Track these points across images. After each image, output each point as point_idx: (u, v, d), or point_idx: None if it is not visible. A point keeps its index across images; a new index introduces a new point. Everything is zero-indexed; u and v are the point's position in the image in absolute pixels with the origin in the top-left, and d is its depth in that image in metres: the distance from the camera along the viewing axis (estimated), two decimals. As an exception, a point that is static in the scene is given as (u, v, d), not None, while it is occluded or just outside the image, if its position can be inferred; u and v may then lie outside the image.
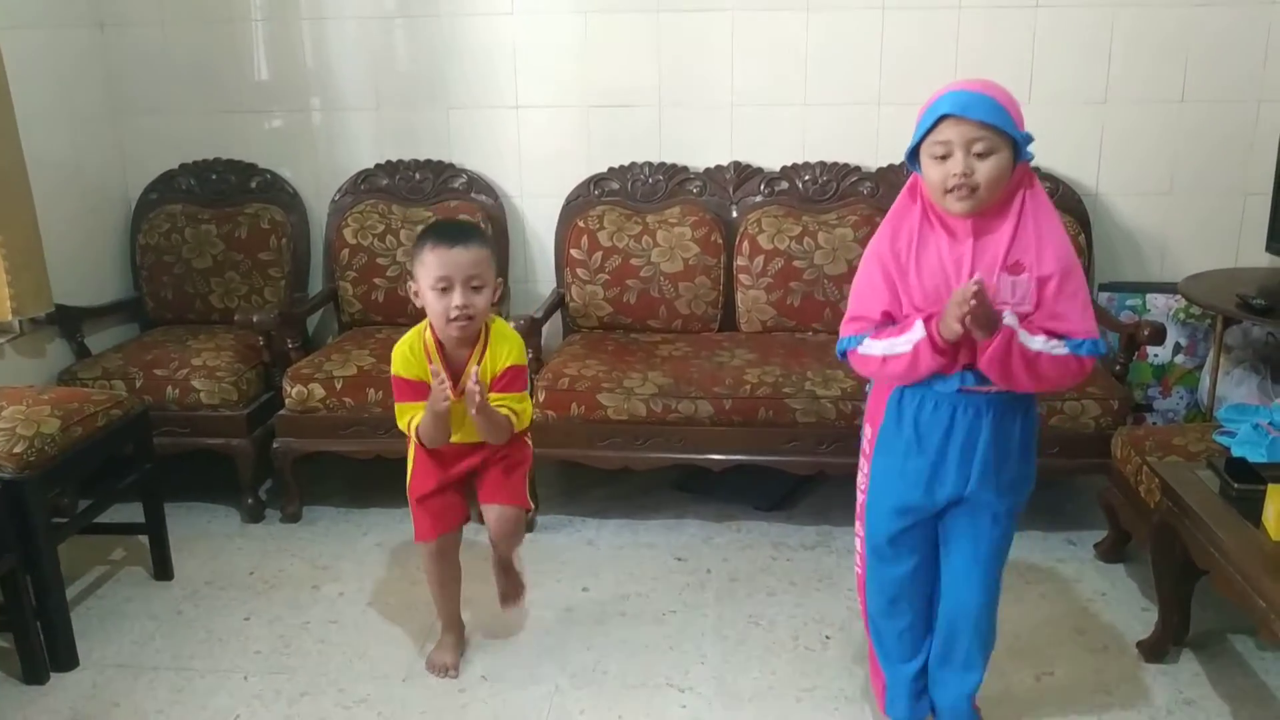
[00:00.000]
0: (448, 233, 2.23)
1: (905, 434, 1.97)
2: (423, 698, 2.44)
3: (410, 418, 2.31)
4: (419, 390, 2.27)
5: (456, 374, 2.29)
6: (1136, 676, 2.48)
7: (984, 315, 1.72)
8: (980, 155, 1.77)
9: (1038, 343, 1.79)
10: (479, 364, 2.29)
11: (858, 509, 2.13)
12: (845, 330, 1.96)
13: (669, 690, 2.46)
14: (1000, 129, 1.76)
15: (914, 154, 1.87)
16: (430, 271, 2.20)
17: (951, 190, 1.79)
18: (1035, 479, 2.05)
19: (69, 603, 2.66)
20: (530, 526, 3.21)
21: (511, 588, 2.59)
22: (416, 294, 2.27)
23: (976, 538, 2.02)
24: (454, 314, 2.20)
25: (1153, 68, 3.43)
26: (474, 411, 2.19)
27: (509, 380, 2.31)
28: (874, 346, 1.90)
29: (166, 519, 2.99)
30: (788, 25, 3.52)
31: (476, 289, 2.22)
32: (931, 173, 1.82)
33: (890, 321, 1.90)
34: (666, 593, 2.89)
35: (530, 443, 2.51)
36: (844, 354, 1.97)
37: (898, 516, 2.04)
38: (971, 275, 1.81)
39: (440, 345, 2.30)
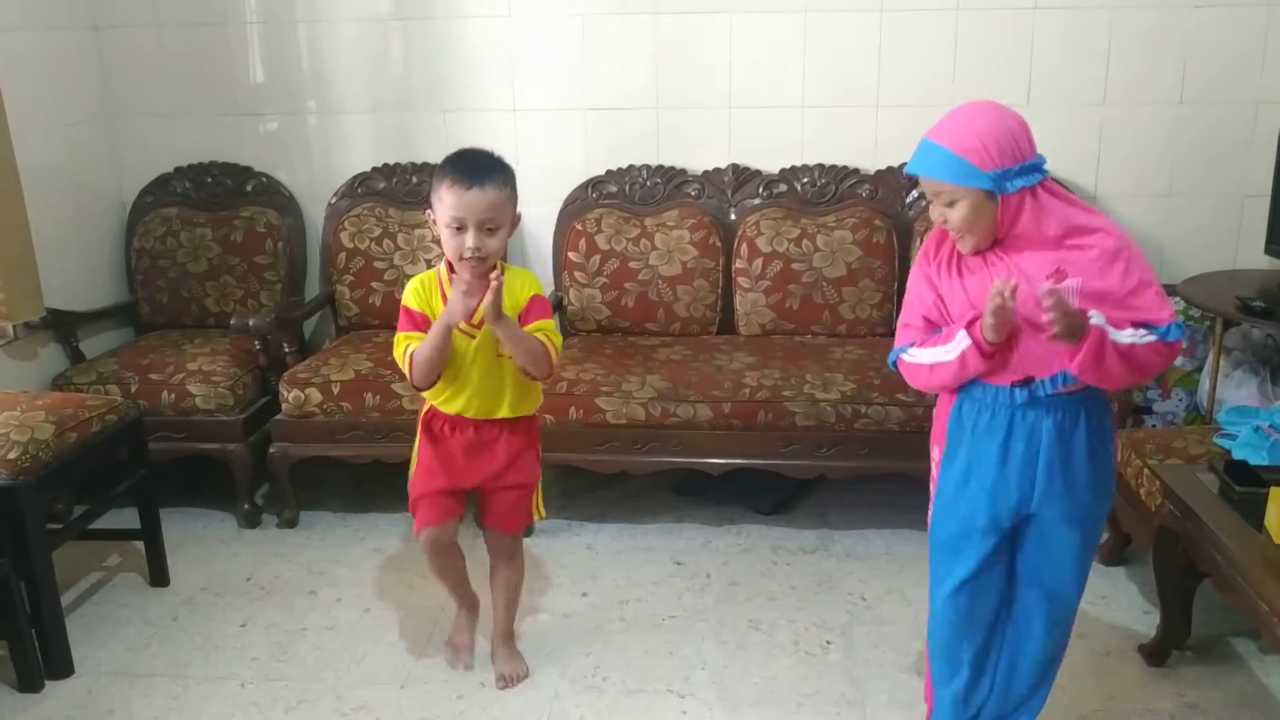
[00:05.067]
0: (467, 170, 2.16)
1: (966, 449, 1.93)
2: (421, 704, 2.43)
3: (407, 346, 2.23)
4: (421, 324, 2.24)
5: (471, 312, 2.23)
6: (1139, 680, 2.47)
7: (1067, 322, 1.68)
8: (947, 205, 1.79)
9: (1126, 335, 1.75)
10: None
11: (929, 542, 2.07)
12: (897, 339, 1.97)
13: (669, 696, 2.45)
14: (954, 182, 1.75)
15: None
16: (446, 210, 2.17)
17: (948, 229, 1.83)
18: (1111, 493, 1.99)
19: (64, 609, 2.64)
20: (528, 531, 3.19)
21: (512, 667, 2.53)
22: (434, 223, 2.24)
23: (1048, 565, 1.96)
24: (467, 254, 2.17)
25: (1151, 70, 3.42)
26: (493, 318, 2.10)
27: (538, 309, 2.27)
28: (920, 356, 1.89)
29: (162, 525, 2.97)
30: (785, 27, 3.51)
31: (491, 231, 2.18)
32: (930, 211, 1.86)
33: (931, 327, 1.90)
34: (666, 597, 2.88)
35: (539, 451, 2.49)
36: (894, 362, 1.97)
37: (967, 545, 1.96)
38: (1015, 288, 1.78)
39: (454, 276, 2.25)
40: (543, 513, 2.51)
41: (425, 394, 2.33)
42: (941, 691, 2.13)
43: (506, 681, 2.51)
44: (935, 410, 2.04)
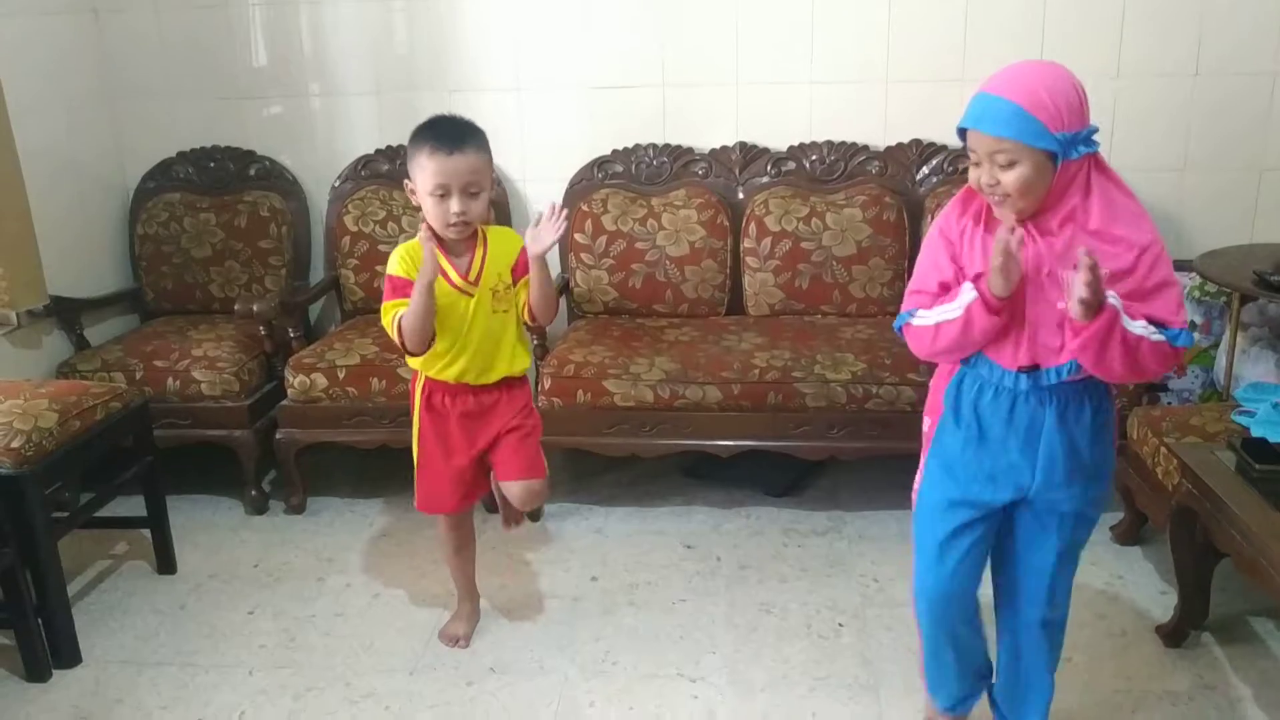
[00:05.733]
0: (446, 136, 2.18)
1: (964, 423, 1.88)
2: (431, 691, 2.41)
3: (395, 314, 2.22)
4: (406, 292, 2.22)
5: (466, 270, 2.28)
6: (1156, 661, 2.44)
7: (1093, 295, 1.61)
8: (1004, 166, 1.68)
9: (1139, 327, 1.68)
10: (483, 258, 2.28)
11: (915, 511, 2.03)
12: (904, 305, 1.90)
13: (680, 680, 2.43)
14: (1021, 141, 1.66)
15: None
16: (428, 178, 2.18)
17: (988, 195, 1.73)
18: (1111, 478, 1.93)
19: (71, 598, 2.64)
20: (537, 515, 3.18)
21: (514, 512, 2.55)
22: (413, 193, 2.25)
23: (1043, 546, 1.91)
24: (452, 219, 2.20)
25: (1165, 41, 3.36)
26: (544, 246, 2.19)
27: (527, 260, 2.29)
28: (927, 317, 1.83)
29: (169, 512, 2.96)
30: (793, 2, 3.45)
31: (474, 194, 2.21)
32: (970, 174, 1.75)
33: (945, 294, 1.83)
34: (676, 581, 2.86)
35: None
36: (899, 329, 1.91)
37: (952, 512, 1.92)
38: (1043, 268, 1.72)
39: (440, 243, 2.27)
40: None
41: (421, 364, 2.32)
42: (931, 664, 2.09)
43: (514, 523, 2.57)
44: (932, 380, 1.99)
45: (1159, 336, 1.70)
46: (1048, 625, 2.00)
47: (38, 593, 2.46)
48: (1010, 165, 1.68)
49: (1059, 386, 1.80)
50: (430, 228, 2.26)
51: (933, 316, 1.82)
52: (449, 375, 2.32)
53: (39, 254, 3.19)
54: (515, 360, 2.37)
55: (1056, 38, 3.38)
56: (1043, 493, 1.86)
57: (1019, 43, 3.36)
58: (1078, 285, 1.61)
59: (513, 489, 2.41)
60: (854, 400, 3.00)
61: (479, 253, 2.28)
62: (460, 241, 2.28)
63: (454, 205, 2.19)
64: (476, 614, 2.64)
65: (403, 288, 2.24)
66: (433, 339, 2.25)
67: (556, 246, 2.35)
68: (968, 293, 1.75)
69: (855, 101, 3.52)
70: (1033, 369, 1.79)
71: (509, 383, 2.39)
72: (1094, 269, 1.59)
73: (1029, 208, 1.72)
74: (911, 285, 1.90)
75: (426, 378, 2.35)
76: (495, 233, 2.34)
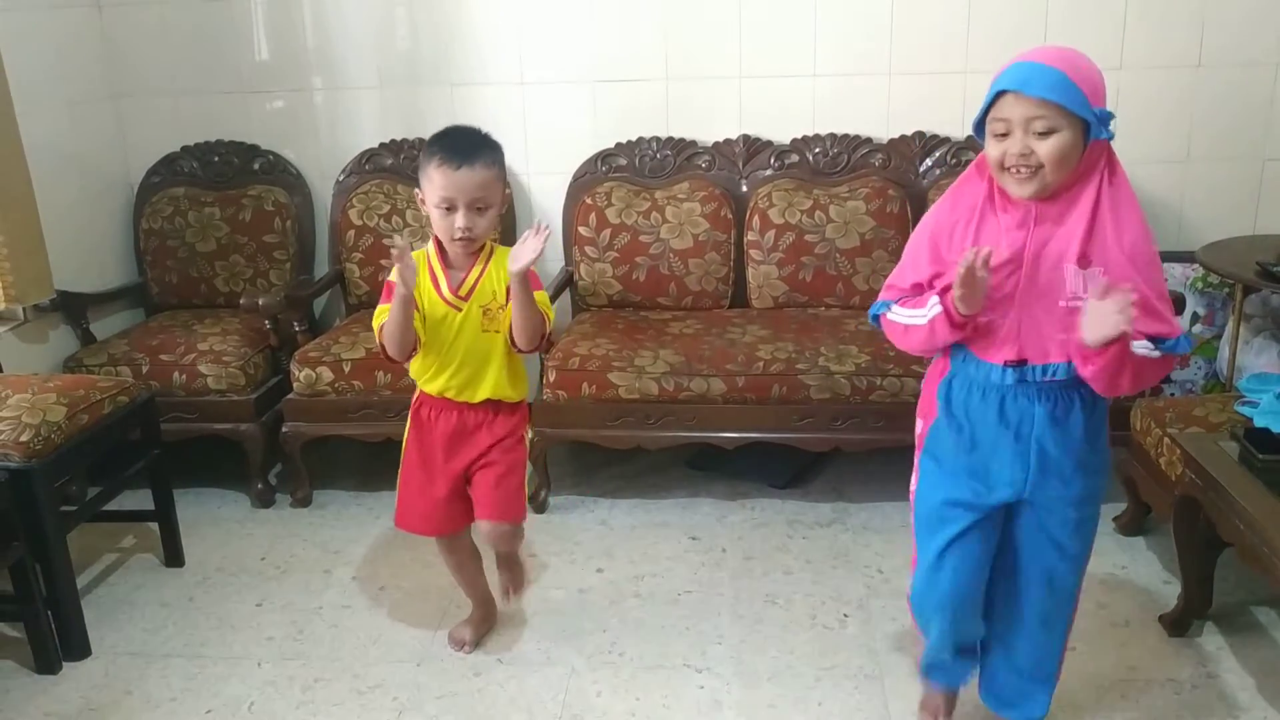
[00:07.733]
0: (456, 150, 2.13)
1: (955, 425, 1.89)
2: (438, 682, 2.42)
3: (382, 319, 2.20)
4: None
5: (458, 285, 2.24)
6: (1160, 651, 2.45)
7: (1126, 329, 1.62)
8: (1040, 134, 1.67)
9: (1141, 347, 1.70)
10: (480, 274, 2.24)
11: (914, 515, 2.05)
12: (881, 294, 1.95)
13: (686, 671, 2.44)
14: (1065, 107, 1.65)
15: (981, 126, 1.76)
16: (435, 190, 2.15)
17: (1010, 169, 1.71)
18: (1108, 470, 1.94)
19: (80, 591, 2.64)
20: (543, 508, 3.19)
21: (513, 580, 2.54)
22: (423, 202, 2.23)
23: (1042, 546, 1.92)
24: (457, 234, 2.17)
25: (1168, 33, 3.36)
26: (521, 264, 2.08)
27: (532, 280, 2.24)
28: (899, 315, 1.88)
29: (176, 505, 2.97)
30: (796, -6, 3.46)
31: (480, 210, 2.17)
32: (991, 149, 1.73)
33: (919, 293, 1.85)
34: (682, 572, 2.87)
35: (527, 442, 2.41)
36: (875, 318, 1.96)
37: (951, 515, 1.92)
38: (1032, 264, 1.73)
39: (443, 256, 2.25)
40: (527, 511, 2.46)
41: (415, 374, 2.32)
42: (933, 655, 2.10)
43: (513, 593, 2.54)
44: (924, 382, 2.01)
45: (1158, 353, 1.71)
46: (1049, 625, 2.00)
47: (47, 585, 2.48)
48: (1048, 133, 1.67)
49: (1047, 385, 1.80)
50: (436, 239, 2.24)
51: (902, 317, 1.87)
52: (433, 389, 2.30)
53: (45, 249, 3.19)
54: (505, 384, 2.31)
55: (1059, 29, 3.37)
56: (1038, 490, 1.87)
57: (1022, 34, 3.36)
58: (1109, 320, 1.61)
59: (481, 527, 2.39)
60: (858, 392, 3.01)
61: (478, 269, 2.24)
62: (463, 255, 2.24)
63: (459, 220, 2.15)
64: (489, 620, 2.59)
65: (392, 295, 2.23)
66: (415, 348, 2.22)
67: (554, 262, 2.32)
68: (933, 306, 1.78)
69: (858, 94, 3.52)
70: (1020, 364, 1.80)
71: (497, 407, 2.32)
72: (1124, 294, 1.60)
73: (1055, 183, 1.71)
74: (890, 277, 1.93)
75: (420, 390, 2.34)
76: (503, 251, 2.26)
